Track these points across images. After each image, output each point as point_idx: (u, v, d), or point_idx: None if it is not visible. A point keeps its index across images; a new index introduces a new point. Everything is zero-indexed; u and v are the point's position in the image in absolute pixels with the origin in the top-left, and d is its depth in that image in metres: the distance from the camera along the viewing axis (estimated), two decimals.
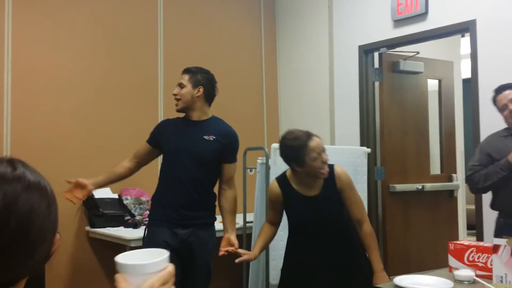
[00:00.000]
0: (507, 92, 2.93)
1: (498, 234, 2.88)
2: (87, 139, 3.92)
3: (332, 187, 2.60)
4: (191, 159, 2.82)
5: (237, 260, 2.62)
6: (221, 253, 2.72)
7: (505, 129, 3.01)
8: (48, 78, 3.83)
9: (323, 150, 2.54)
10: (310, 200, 2.61)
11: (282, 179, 2.71)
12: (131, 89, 4.20)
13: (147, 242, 2.84)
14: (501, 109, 2.96)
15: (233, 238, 2.82)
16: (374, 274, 2.52)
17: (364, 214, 2.68)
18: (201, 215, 2.87)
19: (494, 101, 3.01)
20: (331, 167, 2.60)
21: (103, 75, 4.08)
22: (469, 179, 3.03)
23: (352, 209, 2.62)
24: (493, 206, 3.05)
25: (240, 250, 2.71)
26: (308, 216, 2.64)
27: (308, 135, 2.55)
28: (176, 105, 2.91)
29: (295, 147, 2.52)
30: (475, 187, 3.01)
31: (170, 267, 0.98)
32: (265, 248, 2.89)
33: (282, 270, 2.81)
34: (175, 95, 2.90)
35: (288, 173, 2.69)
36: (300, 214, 2.66)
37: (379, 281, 2.46)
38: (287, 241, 2.79)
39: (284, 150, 2.61)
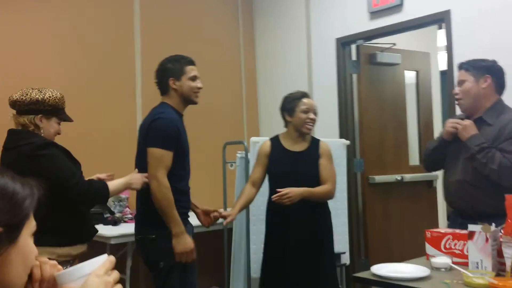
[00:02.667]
0: (457, 74, 2.75)
1: None
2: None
3: (316, 150, 3.01)
4: None
5: (225, 222, 2.94)
6: (208, 223, 2.90)
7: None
8: (23, 73, 3.77)
9: (314, 111, 2.99)
10: (295, 154, 3.00)
11: (274, 137, 3.13)
12: (108, 85, 4.15)
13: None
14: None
15: (206, 207, 2.91)
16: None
17: (331, 179, 2.96)
18: None
19: None
20: (318, 140, 3.06)
21: (78, 70, 4.02)
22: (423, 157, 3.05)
23: (323, 172, 2.97)
24: None
25: (222, 212, 2.94)
26: (290, 168, 2.97)
27: (305, 94, 3.06)
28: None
29: (291, 98, 3.04)
30: (423, 160, 3.01)
31: (111, 257, 1.01)
32: (245, 207, 3.11)
33: (266, 233, 3.11)
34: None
35: (280, 135, 3.13)
36: (284, 166, 2.99)
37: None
38: (267, 204, 3.08)
39: (283, 100, 3.11)
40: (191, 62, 2.77)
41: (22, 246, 0.91)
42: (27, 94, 2.34)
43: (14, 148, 2.31)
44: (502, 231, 1.96)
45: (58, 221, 2.25)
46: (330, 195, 2.97)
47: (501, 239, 1.97)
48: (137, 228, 2.73)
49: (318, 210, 2.99)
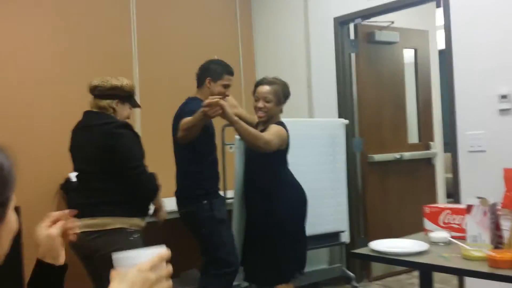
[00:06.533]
0: None
1: None
2: (54, 116, 3.83)
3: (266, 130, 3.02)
4: None
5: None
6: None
7: None
8: (14, 56, 3.75)
9: (264, 98, 3.02)
10: None
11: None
12: (104, 68, 4.13)
13: (221, 210, 3.10)
14: None
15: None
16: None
17: (267, 134, 2.92)
18: None
19: None
20: (280, 123, 3.04)
21: (72, 53, 3.99)
22: None
23: None
24: None
25: None
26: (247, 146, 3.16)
27: (260, 82, 3.11)
28: None
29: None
30: None
31: (162, 251, 0.96)
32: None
33: None
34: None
35: None
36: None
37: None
38: None
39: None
40: (231, 73, 3.16)
41: (8, 221, 0.89)
42: (107, 81, 2.62)
43: (91, 126, 2.59)
44: (500, 204, 1.97)
45: (130, 195, 2.54)
46: (256, 139, 2.85)
47: (499, 212, 1.98)
48: (179, 204, 3.18)
49: (263, 186, 3.10)
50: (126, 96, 2.67)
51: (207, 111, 2.71)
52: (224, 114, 2.76)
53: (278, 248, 3.04)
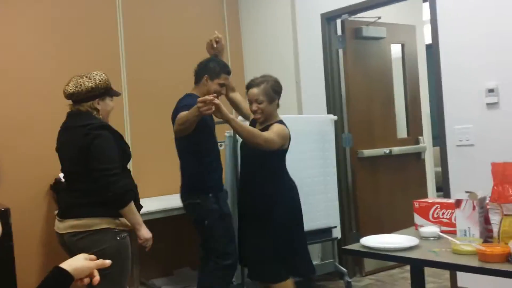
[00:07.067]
0: None
1: None
2: (44, 116, 3.81)
3: (266, 129, 3.06)
4: None
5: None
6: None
7: None
8: (8, 56, 3.74)
9: (256, 100, 3.06)
10: None
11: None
12: (91, 69, 4.10)
13: (226, 205, 3.22)
14: None
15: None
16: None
17: (267, 132, 2.97)
18: None
19: None
20: (281, 122, 3.10)
21: (63, 53, 3.98)
22: None
23: None
24: None
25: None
26: (244, 143, 3.12)
27: (250, 85, 3.11)
28: None
29: None
30: None
31: None
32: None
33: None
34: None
35: None
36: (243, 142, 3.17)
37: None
38: None
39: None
40: (229, 72, 3.24)
41: None
42: (80, 85, 2.54)
43: (73, 127, 2.57)
44: (489, 198, 1.99)
45: None
46: (254, 137, 2.88)
47: (488, 206, 2.00)
48: (184, 195, 3.21)
49: (262, 182, 3.11)
50: (104, 92, 2.62)
51: (201, 107, 2.71)
52: (219, 112, 2.76)
53: (274, 245, 3.05)
